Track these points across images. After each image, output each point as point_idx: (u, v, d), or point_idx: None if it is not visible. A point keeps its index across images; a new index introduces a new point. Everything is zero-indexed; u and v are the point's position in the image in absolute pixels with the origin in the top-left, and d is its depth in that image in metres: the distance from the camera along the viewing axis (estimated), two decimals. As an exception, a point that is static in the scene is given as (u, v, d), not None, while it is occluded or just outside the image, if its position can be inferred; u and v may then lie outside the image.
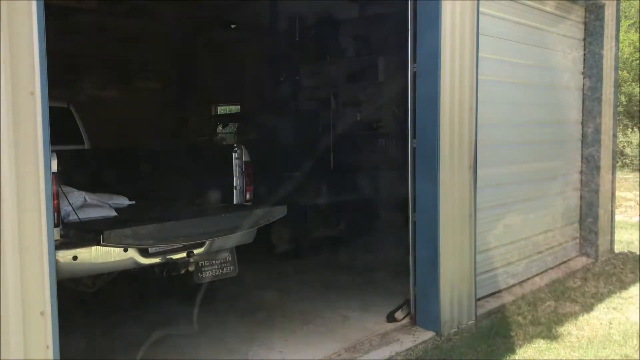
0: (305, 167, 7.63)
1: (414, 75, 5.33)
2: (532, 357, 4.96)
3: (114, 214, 4.98)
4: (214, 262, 5.35)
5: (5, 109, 2.91)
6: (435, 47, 5.21)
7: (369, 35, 9.79)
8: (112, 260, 4.55)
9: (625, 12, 18.66)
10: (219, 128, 11.38)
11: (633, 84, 19.32)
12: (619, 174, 13.33)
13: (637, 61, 19.46)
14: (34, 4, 3.02)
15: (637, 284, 7.05)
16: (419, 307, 5.48)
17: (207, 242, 5.11)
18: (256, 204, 5.69)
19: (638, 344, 5.19)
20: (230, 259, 5.49)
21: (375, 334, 5.25)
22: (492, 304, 6.13)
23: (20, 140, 2.98)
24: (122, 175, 6.22)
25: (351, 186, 8.35)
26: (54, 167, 3.79)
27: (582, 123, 8.09)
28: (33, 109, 3.02)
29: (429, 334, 5.29)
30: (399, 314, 5.54)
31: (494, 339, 5.28)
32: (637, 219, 11.18)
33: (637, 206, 12.42)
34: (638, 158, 18.04)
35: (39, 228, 3.06)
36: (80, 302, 5.39)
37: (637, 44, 19.39)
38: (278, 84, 10.83)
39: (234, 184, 5.58)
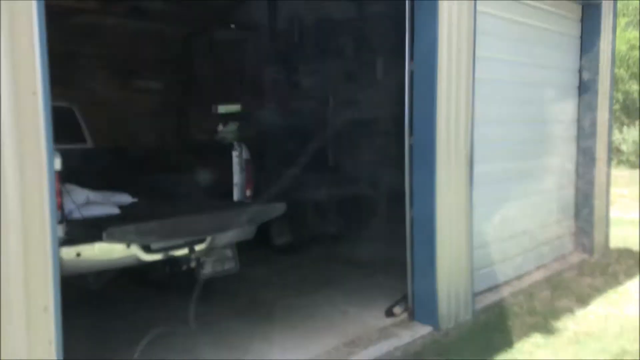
0: (305, 164, 7.68)
1: (411, 73, 5.37)
2: (529, 350, 5.02)
3: (117, 211, 5.04)
4: (215, 258, 5.41)
5: (7, 109, 2.93)
6: (432, 45, 5.25)
7: (368, 34, 9.82)
8: (115, 256, 4.61)
9: (622, 10, 18.68)
10: (220, 126, 11.41)
11: (630, 81, 19.36)
12: (616, 171, 13.37)
13: (634, 59, 19.49)
14: (34, 4, 3.02)
15: (633, 279, 7.12)
16: (417, 302, 5.54)
17: (208, 239, 5.17)
18: (256, 200, 5.74)
19: (634, 338, 5.25)
20: (230, 255, 5.55)
21: (374, 329, 5.30)
22: (489, 298, 6.19)
23: (23, 140, 3.00)
24: (124, 173, 6.26)
25: (350, 182, 8.40)
26: (58, 165, 3.83)
27: (578, 121, 8.13)
28: (35, 109, 3.04)
29: (427, 329, 5.35)
30: (397, 309, 5.60)
31: (492, 333, 5.34)
32: (634, 215, 11.22)
33: (636, 203, 12.45)
34: (636, 155, 18.08)
35: (42, 225, 3.10)
36: (83, 299, 5.44)
37: (634, 41, 19.42)
38: (277, 83, 10.87)
39: (235, 181, 5.64)
